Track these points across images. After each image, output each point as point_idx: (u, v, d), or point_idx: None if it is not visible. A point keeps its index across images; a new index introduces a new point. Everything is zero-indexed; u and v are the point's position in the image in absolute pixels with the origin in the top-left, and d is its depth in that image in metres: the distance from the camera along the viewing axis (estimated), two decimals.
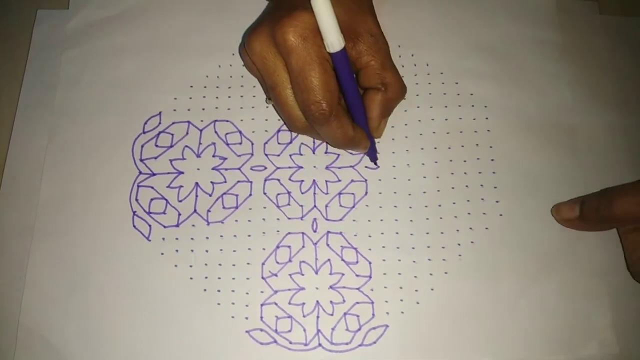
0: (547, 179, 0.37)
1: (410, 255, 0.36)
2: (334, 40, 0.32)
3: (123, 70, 0.40)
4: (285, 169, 0.38)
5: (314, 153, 0.38)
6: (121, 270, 0.36)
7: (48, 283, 0.35)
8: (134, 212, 0.37)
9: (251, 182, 0.38)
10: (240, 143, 0.39)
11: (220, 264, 0.36)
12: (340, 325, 0.35)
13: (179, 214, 0.37)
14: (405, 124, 0.39)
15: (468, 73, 0.40)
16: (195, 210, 0.37)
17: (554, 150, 0.38)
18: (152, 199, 0.37)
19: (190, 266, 0.36)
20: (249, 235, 0.36)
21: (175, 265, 0.36)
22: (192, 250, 0.36)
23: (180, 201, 0.37)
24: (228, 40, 0.41)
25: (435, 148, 0.38)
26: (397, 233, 0.36)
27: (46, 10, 0.42)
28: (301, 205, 0.37)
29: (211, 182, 0.38)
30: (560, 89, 0.40)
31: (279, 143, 0.39)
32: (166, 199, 0.37)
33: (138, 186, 0.38)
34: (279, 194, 0.37)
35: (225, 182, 0.38)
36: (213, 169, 0.38)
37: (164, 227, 0.37)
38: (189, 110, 0.39)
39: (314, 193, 0.37)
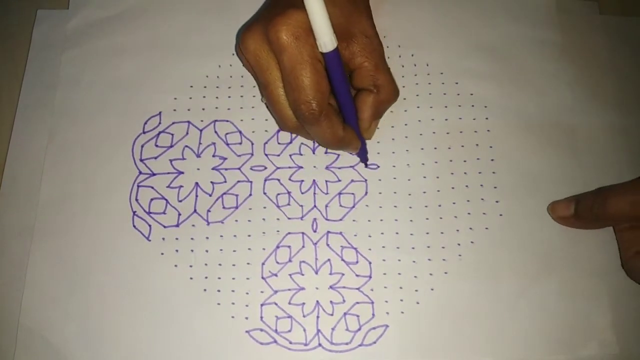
0: (547, 179, 0.37)
1: (410, 255, 0.36)
2: (326, 41, 0.32)
3: (123, 70, 0.40)
4: (285, 169, 0.38)
5: (314, 153, 0.38)
6: (121, 270, 0.36)
7: (48, 283, 0.35)
8: (134, 212, 0.37)
9: (251, 182, 0.38)
10: (240, 143, 0.39)
11: (220, 264, 0.36)
12: (340, 325, 0.35)
13: (179, 214, 0.37)
14: (405, 124, 0.39)
15: (468, 73, 0.40)
16: (195, 210, 0.37)
17: (554, 150, 0.38)
18: (152, 199, 0.37)
19: (190, 266, 0.36)
20: (249, 235, 0.36)
21: (175, 265, 0.36)
22: (192, 250, 0.36)
23: (180, 201, 0.37)
24: (228, 40, 0.41)
25: (435, 148, 0.38)
26: (397, 233, 0.36)
27: (46, 10, 0.42)
28: (301, 205, 0.37)
29: (211, 182, 0.38)
30: (560, 89, 0.40)
31: (279, 143, 0.39)
32: (166, 199, 0.37)
33: (138, 186, 0.38)
34: (279, 194, 0.37)
35: (225, 182, 0.38)
36: (213, 169, 0.38)
37: (164, 227, 0.37)
38: (189, 110, 0.39)
39: (314, 193, 0.37)
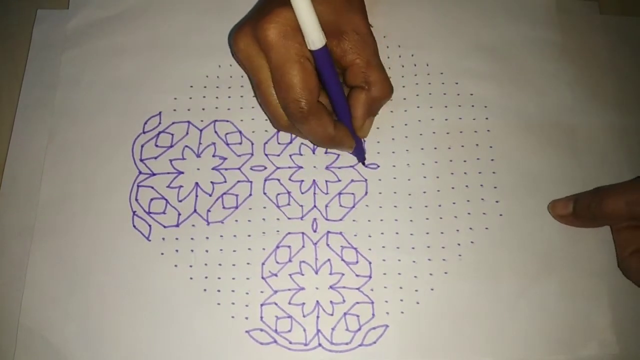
0: (547, 179, 0.37)
1: (410, 255, 0.36)
2: (314, 38, 0.31)
3: (123, 70, 0.40)
4: (285, 169, 0.38)
5: (314, 153, 0.38)
6: (121, 270, 0.36)
7: (48, 283, 0.35)
8: (134, 212, 0.37)
9: (251, 182, 0.38)
10: (240, 143, 0.39)
11: (220, 264, 0.36)
12: (340, 325, 0.35)
13: (179, 214, 0.37)
14: (405, 124, 0.39)
15: (468, 73, 0.40)
16: (195, 210, 0.37)
17: (554, 150, 0.38)
18: (152, 199, 0.37)
19: (190, 266, 0.36)
20: (249, 235, 0.36)
21: (175, 265, 0.36)
22: (192, 250, 0.36)
23: (180, 201, 0.37)
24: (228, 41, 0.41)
25: (435, 148, 0.38)
26: (397, 233, 0.36)
27: (46, 10, 0.42)
28: (301, 205, 0.37)
29: (211, 182, 0.38)
30: (560, 89, 0.40)
31: (279, 143, 0.39)
32: (166, 199, 0.37)
33: (138, 186, 0.38)
34: (279, 194, 0.37)
35: (225, 182, 0.38)
36: (213, 169, 0.38)
37: (164, 227, 0.37)
38: (189, 110, 0.39)
39: (314, 193, 0.37)
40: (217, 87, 0.40)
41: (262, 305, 0.35)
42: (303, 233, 0.36)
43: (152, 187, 0.38)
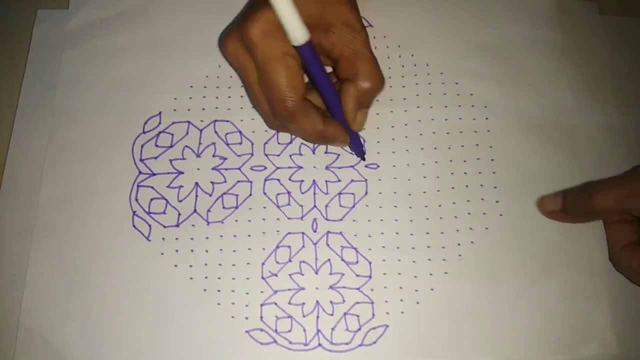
0: (547, 179, 0.37)
1: (410, 255, 0.36)
2: (295, 34, 0.31)
3: (123, 70, 0.40)
4: (285, 169, 0.38)
5: (314, 153, 0.38)
6: (121, 270, 0.36)
7: (48, 283, 0.35)
8: (134, 212, 0.37)
9: (251, 182, 0.38)
10: (240, 143, 0.39)
11: (220, 264, 0.36)
12: (340, 325, 0.35)
13: (179, 214, 0.37)
14: (405, 124, 0.39)
15: (468, 73, 0.40)
16: (195, 210, 0.37)
17: (554, 150, 0.38)
18: (152, 199, 0.37)
19: (190, 266, 0.36)
20: (249, 235, 0.36)
21: (175, 265, 0.36)
22: (192, 250, 0.36)
23: (180, 201, 0.37)
24: None
25: (435, 148, 0.38)
26: (397, 233, 0.36)
27: (46, 10, 0.42)
28: (301, 205, 0.37)
29: (211, 182, 0.38)
30: (560, 89, 0.40)
31: (279, 143, 0.39)
32: (166, 199, 0.37)
33: (138, 186, 0.38)
34: (279, 194, 0.37)
35: (225, 182, 0.38)
36: (213, 169, 0.38)
37: (164, 227, 0.37)
38: (189, 110, 0.39)
39: (314, 193, 0.37)
40: (217, 87, 0.40)
41: (262, 305, 0.35)
42: (303, 233, 0.36)
43: (152, 187, 0.38)
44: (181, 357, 0.34)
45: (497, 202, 0.37)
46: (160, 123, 0.39)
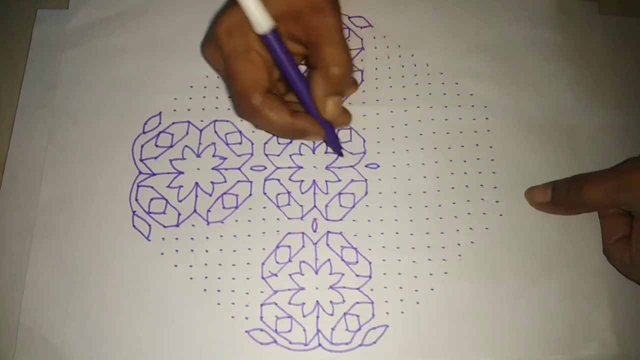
0: (547, 179, 0.37)
1: (410, 255, 0.36)
2: (259, 22, 0.31)
3: (123, 70, 0.40)
4: (285, 169, 0.38)
5: (314, 153, 0.38)
6: (121, 270, 0.36)
7: (48, 283, 0.35)
8: (134, 212, 0.37)
9: (251, 182, 0.38)
10: (240, 143, 0.39)
11: (220, 264, 0.36)
12: (340, 325, 0.35)
13: (179, 214, 0.37)
14: (405, 124, 0.39)
15: (468, 73, 0.40)
16: (195, 210, 0.37)
17: (554, 150, 0.38)
18: (152, 199, 0.37)
19: (190, 266, 0.36)
20: (249, 235, 0.36)
21: (175, 265, 0.36)
22: (192, 250, 0.36)
23: (180, 201, 0.37)
24: None
25: (435, 148, 0.38)
26: (397, 233, 0.36)
27: (46, 10, 0.42)
28: (301, 205, 0.37)
29: (211, 182, 0.38)
30: (560, 89, 0.40)
31: (279, 143, 0.39)
32: (166, 199, 0.37)
33: (138, 186, 0.38)
34: (279, 194, 0.37)
35: (225, 182, 0.38)
36: (213, 168, 0.38)
37: (164, 227, 0.37)
38: (189, 110, 0.39)
39: (314, 193, 0.37)
40: (217, 87, 0.40)
41: (262, 305, 0.35)
42: (303, 233, 0.36)
43: (152, 187, 0.38)
44: (181, 357, 0.34)
45: (497, 202, 0.37)
46: (160, 123, 0.39)
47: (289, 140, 0.38)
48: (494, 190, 0.37)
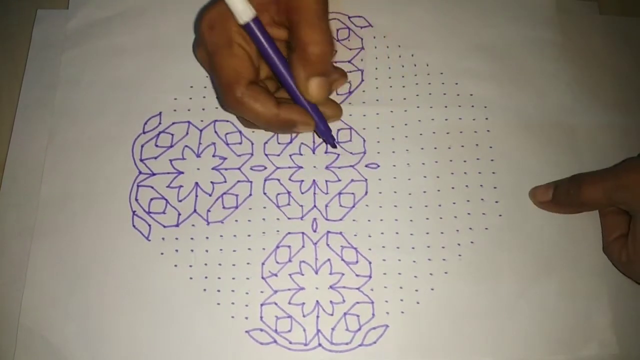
0: (547, 179, 0.37)
1: (410, 255, 0.36)
2: (240, 12, 0.31)
3: (123, 70, 0.40)
4: (285, 169, 0.38)
5: (314, 153, 0.38)
6: (121, 270, 0.36)
7: (48, 283, 0.35)
8: (134, 212, 0.37)
9: (251, 182, 0.38)
10: (240, 143, 0.39)
11: (220, 264, 0.36)
12: (340, 325, 0.35)
13: (179, 214, 0.37)
14: (405, 124, 0.39)
15: (468, 73, 0.40)
16: (195, 210, 0.37)
17: (554, 150, 0.38)
18: (152, 199, 0.37)
19: (190, 266, 0.36)
20: (249, 235, 0.36)
21: (175, 265, 0.36)
22: (192, 250, 0.36)
23: (180, 201, 0.37)
24: None
25: (435, 148, 0.38)
26: (397, 233, 0.36)
27: (46, 10, 0.42)
28: (301, 205, 0.37)
29: (211, 182, 0.38)
30: (560, 89, 0.40)
31: (279, 143, 0.39)
32: (166, 199, 0.37)
33: (138, 186, 0.38)
34: (279, 194, 0.37)
35: (225, 182, 0.38)
36: (213, 168, 0.38)
37: (164, 227, 0.37)
38: (189, 110, 0.39)
39: (314, 193, 0.37)
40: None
41: (262, 305, 0.35)
42: (303, 233, 0.36)
43: (152, 187, 0.37)
44: (181, 357, 0.34)
45: (496, 202, 0.37)
46: (160, 123, 0.39)
47: (289, 140, 0.39)
48: (493, 190, 0.37)
